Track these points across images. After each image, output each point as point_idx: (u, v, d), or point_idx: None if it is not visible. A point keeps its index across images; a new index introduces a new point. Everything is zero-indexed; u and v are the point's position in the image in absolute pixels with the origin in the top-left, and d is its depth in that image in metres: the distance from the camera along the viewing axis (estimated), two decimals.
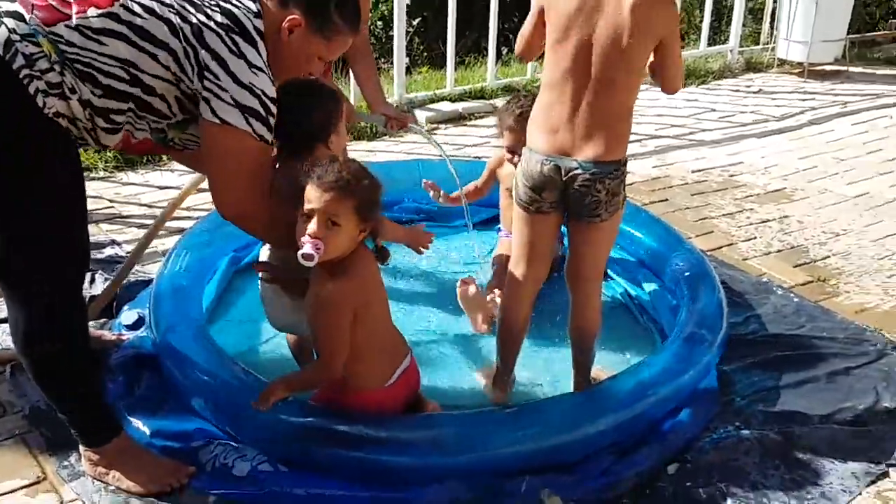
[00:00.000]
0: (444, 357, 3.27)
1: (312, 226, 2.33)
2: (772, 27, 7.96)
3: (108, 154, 4.99)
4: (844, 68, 7.61)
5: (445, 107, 6.13)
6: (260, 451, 2.60)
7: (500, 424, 2.64)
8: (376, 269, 2.55)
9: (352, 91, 5.28)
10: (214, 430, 2.74)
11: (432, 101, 6.20)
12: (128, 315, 3.34)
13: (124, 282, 3.59)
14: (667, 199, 4.81)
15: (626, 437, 2.72)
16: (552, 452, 2.61)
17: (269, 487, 2.52)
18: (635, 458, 2.66)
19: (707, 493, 2.58)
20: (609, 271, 3.82)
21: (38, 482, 2.60)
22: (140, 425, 2.74)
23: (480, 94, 6.34)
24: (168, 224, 4.21)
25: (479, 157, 5.25)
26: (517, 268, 2.88)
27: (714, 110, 6.47)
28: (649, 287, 3.61)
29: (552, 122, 2.66)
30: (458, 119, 6.08)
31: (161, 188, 4.79)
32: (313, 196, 2.34)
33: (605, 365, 3.14)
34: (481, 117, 6.12)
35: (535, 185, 2.71)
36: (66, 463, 2.66)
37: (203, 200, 4.57)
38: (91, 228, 4.16)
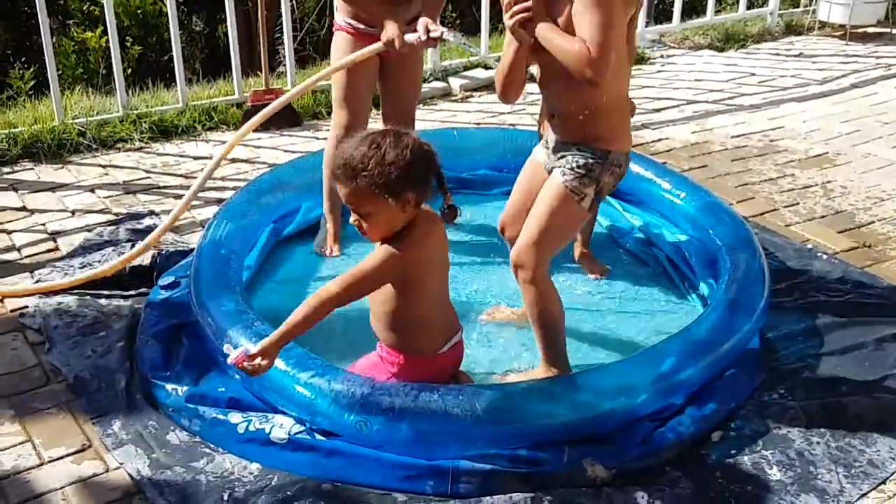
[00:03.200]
0: (471, 330, 3.23)
1: (352, 215, 2.42)
2: None
3: (143, 125, 5.01)
4: (888, 30, 7.42)
5: (480, 74, 6.06)
6: (297, 420, 2.60)
7: (540, 395, 2.62)
8: (438, 237, 2.54)
9: None
10: (252, 398, 2.74)
11: (466, 68, 6.14)
12: (165, 278, 3.36)
13: (163, 251, 3.60)
14: (706, 166, 4.73)
15: (668, 406, 2.68)
16: (594, 422, 2.59)
17: (307, 454, 2.53)
18: (678, 426, 2.63)
19: (752, 461, 2.55)
20: (650, 237, 3.78)
21: (83, 450, 2.63)
22: (175, 391, 2.76)
23: None
24: (206, 195, 4.24)
25: (514, 125, 5.20)
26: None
27: (754, 74, 6.35)
28: (690, 254, 3.55)
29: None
30: (491, 86, 6.00)
31: (196, 158, 4.79)
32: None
33: (646, 332, 3.12)
34: None
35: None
36: (109, 431, 2.68)
37: (239, 171, 4.58)
38: (129, 199, 4.24)
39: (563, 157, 2.79)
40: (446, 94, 5.88)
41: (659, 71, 6.38)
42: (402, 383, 2.59)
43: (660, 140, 5.08)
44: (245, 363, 2.32)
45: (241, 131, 3.81)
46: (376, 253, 2.44)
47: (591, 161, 2.74)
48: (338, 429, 2.55)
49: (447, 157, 4.21)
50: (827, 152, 4.92)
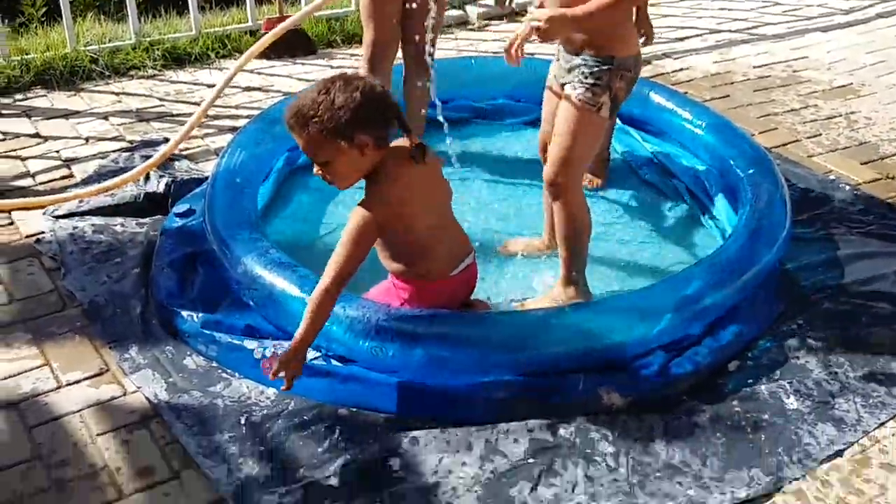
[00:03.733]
0: (490, 258, 3.21)
1: (314, 167, 2.41)
2: None
3: (156, 52, 4.94)
4: None
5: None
6: (313, 347, 2.58)
7: (557, 322, 2.60)
8: (413, 177, 2.45)
9: None
10: (268, 326, 2.74)
11: None
12: (179, 206, 3.34)
13: (178, 178, 3.58)
14: (728, 96, 4.64)
15: (685, 336, 2.67)
16: (610, 350, 2.58)
17: (324, 380, 2.53)
18: (695, 356, 2.62)
19: (769, 390, 2.54)
20: (669, 168, 3.73)
21: (101, 373, 2.64)
22: (191, 317, 2.75)
23: None
24: (220, 123, 4.21)
25: (532, 55, 5.09)
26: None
27: (778, 3, 6.19)
28: (710, 185, 3.50)
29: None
30: (509, 15, 5.90)
31: (210, 86, 4.72)
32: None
33: (664, 262, 3.10)
34: None
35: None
36: (126, 356, 2.69)
37: (253, 99, 4.53)
38: (142, 126, 4.20)
39: (571, 69, 2.76)
40: (463, 23, 5.77)
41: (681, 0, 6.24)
42: (417, 309, 2.57)
43: (681, 70, 4.98)
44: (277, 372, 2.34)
45: (248, 53, 3.78)
46: (349, 223, 2.39)
47: (598, 69, 2.71)
48: (354, 355, 2.55)
49: (465, 86, 4.23)
50: (851, 83, 4.81)
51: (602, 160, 3.62)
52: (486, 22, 5.79)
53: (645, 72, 4.85)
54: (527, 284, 3.06)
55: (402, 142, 2.49)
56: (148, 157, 3.83)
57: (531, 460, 2.31)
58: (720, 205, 3.38)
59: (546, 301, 2.90)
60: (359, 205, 2.41)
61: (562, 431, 2.39)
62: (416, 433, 2.40)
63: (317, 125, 2.31)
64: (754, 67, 5.03)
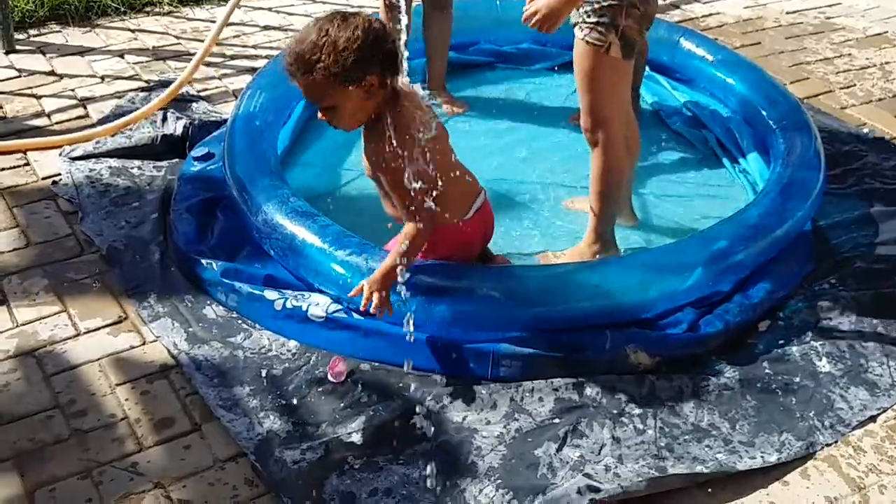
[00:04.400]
0: (513, 207, 3.14)
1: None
2: None
3: None
4: None
5: None
6: (334, 299, 2.55)
7: (582, 276, 2.55)
8: (420, 106, 2.40)
9: None
10: (289, 276, 2.69)
11: None
12: (198, 149, 3.28)
13: (196, 120, 3.50)
14: (759, 43, 4.51)
15: (715, 293, 2.61)
16: (638, 307, 2.52)
17: (345, 332, 2.49)
18: (724, 314, 2.56)
19: (800, 352, 2.48)
20: (699, 118, 3.63)
21: (119, 321, 2.60)
22: (210, 265, 2.70)
23: None
24: (238, 63, 4.12)
25: None
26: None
27: None
28: (741, 136, 3.41)
29: None
30: None
31: (228, 24, 4.61)
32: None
33: (692, 216, 3.02)
34: None
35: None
36: (145, 304, 2.65)
37: (271, 39, 4.43)
38: (159, 65, 4.12)
39: (579, 8, 2.59)
40: None
41: None
42: (439, 262, 2.52)
43: (710, 14, 4.83)
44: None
45: None
46: (378, 163, 2.34)
47: (601, 5, 2.55)
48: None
49: (488, 28, 4.12)
50: (886, 31, 4.67)
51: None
52: None
53: (674, 16, 4.73)
54: (551, 235, 3.00)
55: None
56: None
57: (557, 420, 2.27)
58: (751, 157, 3.30)
59: (571, 255, 2.84)
60: (377, 145, 2.33)
61: (588, 391, 2.35)
62: (439, 390, 2.36)
63: (321, 70, 2.21)
64: (786, 13, 4.88)
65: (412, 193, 2.31)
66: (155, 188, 3.17)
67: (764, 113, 3.35)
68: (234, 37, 4.45)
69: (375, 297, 2.36)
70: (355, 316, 2.51)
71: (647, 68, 3.73)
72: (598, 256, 2.80)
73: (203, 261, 2.73)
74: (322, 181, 3.29)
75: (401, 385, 2.38)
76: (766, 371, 2.42)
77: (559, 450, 2.18)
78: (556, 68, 4.00)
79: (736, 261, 2.63)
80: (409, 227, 2.37)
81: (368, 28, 2.25)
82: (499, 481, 2.10)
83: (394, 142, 2.29)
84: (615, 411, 2.29)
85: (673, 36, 3.89)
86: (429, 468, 2.12)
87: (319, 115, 2.34)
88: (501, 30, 4.16)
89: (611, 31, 2.56)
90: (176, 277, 2.76)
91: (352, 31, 2.22)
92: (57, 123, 3.63)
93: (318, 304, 2.54)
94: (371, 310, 2.36)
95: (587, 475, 2.10)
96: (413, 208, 2.34)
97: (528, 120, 3.70)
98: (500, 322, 2.46)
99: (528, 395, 2.34)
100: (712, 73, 3.75)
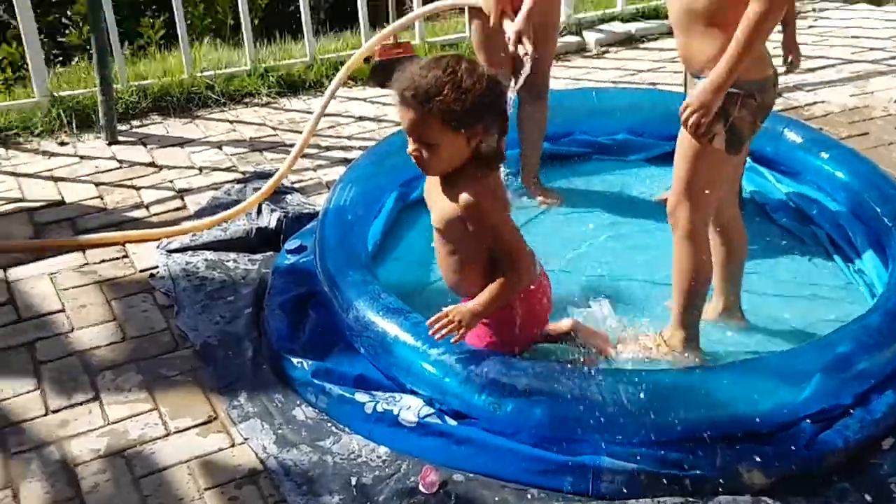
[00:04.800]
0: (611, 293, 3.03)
1: (410, 144, 2.28)
2: None
3: (271, 79, 4.92)
4: None
5: (617, 27, 5.75)
6: (426, 402, 2.46)
7: (692, 385, 2.40)
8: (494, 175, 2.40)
9: None
10: (380, 376, 2.61)
11: (602, 20, 5.82)
12: (291, 242, 3.27)
13: (290, 213, 3.50)
14: (867, 133, 4.33)
15: (835, 406, 2.42)
16: (751, 420, 2.35)
17: (438, 439, 2.39)
18: (844, 430, 2.37)
19: None
20: (806, 213, 3.47)
21: (209, 421, 2.56)
22: (301, 364, 2.65)
23: (655, 14, 5.89)
24: (332, 154, 4.14)
25: (655, 84, 4.90)
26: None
27: None
28: (853, 232, 3.23)
29: None
30: (630, 41, 5.70)
31: (324, 115, 4.67)
32: (398, 110, 2.28)
33: (807, 319, 2.85)
34: (655, 39, 5.70)
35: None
36: (235, 403, 2.60)
37: (365, 130, 4.45)
38: (255, 156, 4.16)
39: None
40: (581, 49, 5.59)
41: (811, 26, 5.91)
42: (540, 362, 2.44)
43: (815, 103, 4.69)
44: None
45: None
46: (480, 214, 2.31)
47: None
48: (469, 410, 2.40)
49: (584, 119, 4.06)
50: None
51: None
52: (605, 48, 5.60)
53: (777, 105, 4.57)
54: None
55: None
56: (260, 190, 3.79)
57: None
58: (866, 256, 3.12)
59: (651, 340, 2.72)
60: (465, 196, 2.29)
61: None
62: None
63: (438, 104, 2.19)
64: (894, 102, 4.70)
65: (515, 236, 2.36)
66: (249, 281, 3.16)
67: (878, 209, 3.18)
68: (329, 127, 4.50)
69: (461, 331, 2.31)
70: (448, 421, 2.41)
71: (748, 160, 3.60)
72: (680, 346, 2.68)
73: (294, 360, 2.68)
74: (413, 276, 3.23)
75: (497, 499, 2.25)
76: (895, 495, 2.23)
77: None
78: (651, 159, 3.91)
79: (858, 370, 2.45)
80: (508, 276, 2.35)
81: (491, 80, 2.26)
82: None
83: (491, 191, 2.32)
84: None
85: (777, 126, 3.75)
86: None
87: (410, 149, 2.30)
88: (597, 120, 4.10)
89: (719, 121, 2.44)
90: (267, 375, 2.72)
91: (477, 77, 2.22)
92: (155, 215, 3.69)
93: (409, 408, 2.46)
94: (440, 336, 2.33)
95: None
96: (516, 253, 2.35)
97: (622, 212, 3.59)
98: (599, 428, 2.32)
99: None
100: (819, 166, 3.60)
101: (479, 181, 2.31)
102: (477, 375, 2.39)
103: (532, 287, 2.49)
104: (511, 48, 3.25)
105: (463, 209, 2.32)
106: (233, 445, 2.47)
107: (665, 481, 2.25)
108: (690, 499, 2.22)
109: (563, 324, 2.73)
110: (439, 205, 2.41)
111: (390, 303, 2.67)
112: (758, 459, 2.26)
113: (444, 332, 2.32)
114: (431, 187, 2.46)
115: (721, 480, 2.25)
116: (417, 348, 2.50)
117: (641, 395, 2.32)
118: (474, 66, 2.25)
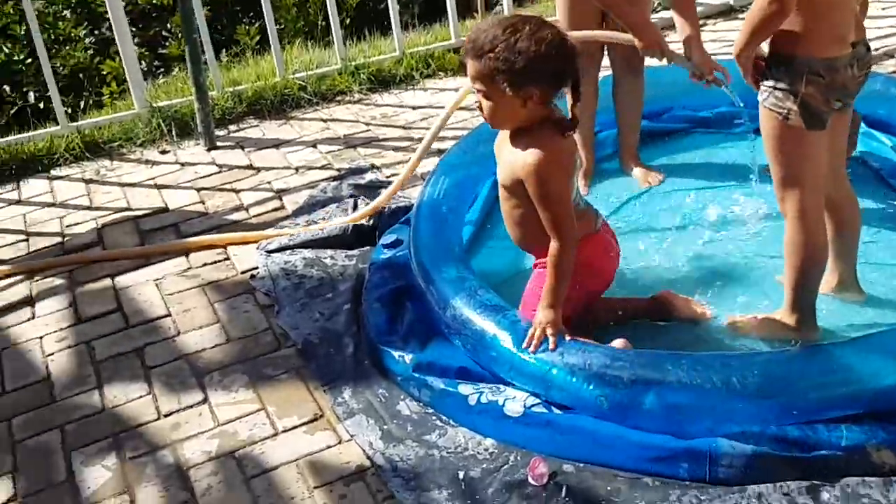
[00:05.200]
0: (718, 282, 2.90)
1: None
2: None
3: (362, 76, 4.93)
4: None
5: None
6: (531, 392, 2.40)
7: (812, 362, 2.28)
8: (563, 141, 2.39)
9: None
10: (478, 367, 2.56)
11: None
12: (387, 236, 3.26)
13: (385, 207, 3.49)
14: None
15: None
16: (880, 396, 2.21)
17: (545, 430, 2.33)
18: None
19: None
20: None
21: (315, 419, 2.56)
22: (402, 358, 2.62)
23: None
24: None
25: None
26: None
27: None
28: None
29: None
30: (729, 12, 5.50)
31: (415, 108, 4.67)
32: None
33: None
34: None
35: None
36: (340, 400, 2.60)
37: (458, 120, 4.41)
38: (350, 153, 4.16)
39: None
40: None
41: None
42: (648, 352, 2.36)
43: None
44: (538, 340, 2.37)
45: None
46: (538, 173, 2.33)
47: (776, 71, 2.36)
48: (576, 403, 2.33)
49: (682, 93, 3.91)
50: None
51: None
52: (702, 21, 5.39)
53: (887, 66, 4.35)
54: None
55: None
56: (355, 185, 3.80)
57: None
58: None
59: (762, 323, 2.60)
60: (525, 155, 2.34)
61: (825, 496, 2.06)
62: (651, 495, 2.14)
63: (488, 61, 2.23)
64: None
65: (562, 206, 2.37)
66: (347, 277, 3.15)
67: None
68: (422, 119, 4.47)
69: (552, 340, 2.34)
70: (555, 411, 2.35)
71: (862, 124, 3.41)
72: (794, 328, 2.55)
73: (395, 353, 2.65)
74: (508, 265, 3.15)
75: (609, 489, 2.18)
76: None
77: None
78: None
79: None
80: (553, 249, 2.37)
81: (557, 44, 2.25)
82: None
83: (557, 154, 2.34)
84: None
85: (891, 89, 3.54)
86: None
87: (476, 97, 2.37)
88: (696, 94, 3.94)
89: (788, 98, 2.35)
90: (369, 371, 2.70)
91: (537, 41, 2.23)
92: (254, 216, 3.73)
93: (514, 399, 2.40)
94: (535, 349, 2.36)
95: None
96: (556, 221, 2.37)
97: (729, 185, 3.44)
98: (715, 414, 2.22)
99: (754, 500, 2.09)
100: None
101: (546, 144, 2.34)
102: (581, 370, 2.32)
103: (590, 241, 2.51)
104: (705, 85, 3.14)
105: (520, 168, 2.37)
106: (339, 442, 2.46)
107: (787, 464, 2.13)
108: (816, 482, 2.10)
109: (659, 296, 2.71)
110: (505, 159, 2.46)
111: (487, 299, 2.61)
112: (887, 437, 2.12)
113: (535, 343, 2.37)
114: (502, 142, 2.51)
115: (848, 461, 2.12)
116: (516, 346, 2.43)
117: (754, 375, 2.21)
118: (542, 28, 2.26)
